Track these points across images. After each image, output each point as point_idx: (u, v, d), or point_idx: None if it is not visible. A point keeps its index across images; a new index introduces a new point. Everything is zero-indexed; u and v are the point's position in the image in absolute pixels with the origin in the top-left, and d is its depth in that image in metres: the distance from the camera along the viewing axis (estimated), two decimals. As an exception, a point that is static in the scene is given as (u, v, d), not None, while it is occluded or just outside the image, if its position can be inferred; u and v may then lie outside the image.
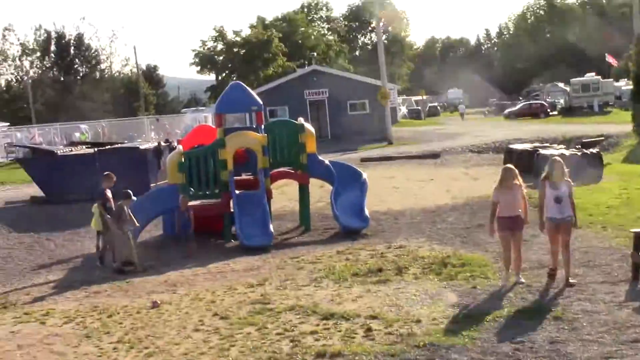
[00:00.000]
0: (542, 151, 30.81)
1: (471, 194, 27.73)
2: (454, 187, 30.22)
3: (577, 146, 33.85)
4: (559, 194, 14.35)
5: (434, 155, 41.85)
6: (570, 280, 14.25)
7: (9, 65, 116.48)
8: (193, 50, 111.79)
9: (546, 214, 14.53)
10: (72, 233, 25.39)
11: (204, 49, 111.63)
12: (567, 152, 29.31)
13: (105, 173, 21.27)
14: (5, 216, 26.88)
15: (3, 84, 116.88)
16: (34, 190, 32.31)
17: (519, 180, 14.88)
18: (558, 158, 14.97)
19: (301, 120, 25.23)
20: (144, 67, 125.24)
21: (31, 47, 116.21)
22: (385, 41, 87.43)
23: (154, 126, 71.49)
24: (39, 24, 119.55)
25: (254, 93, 25.40)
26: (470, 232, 21.04)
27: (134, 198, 20.89)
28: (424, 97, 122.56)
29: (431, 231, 21.73)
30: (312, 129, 25.11)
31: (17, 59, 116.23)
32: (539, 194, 14.87)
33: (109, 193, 20.75)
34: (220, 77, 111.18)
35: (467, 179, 32.70)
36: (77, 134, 65.44)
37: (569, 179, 14.61)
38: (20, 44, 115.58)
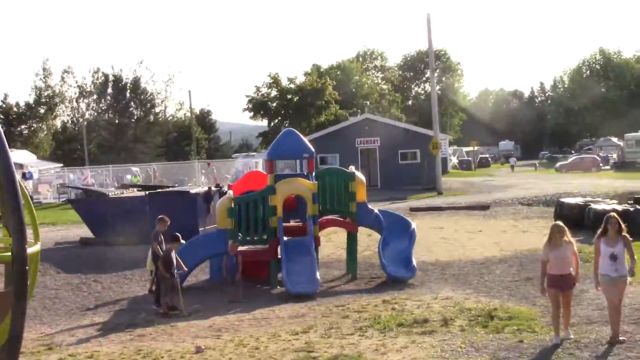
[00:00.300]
0: (593, 206, 30.50)
1: (520, 246, 27.50)
2: (503, 239, 29.97)
3: (629, 201, 33.39)
4: (614, 252, 14.07)
5: (484, 207, 41.59)
6: (620, 338, 14.01)
7: (66, 107, 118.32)
8: (247, 96, 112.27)
9: (600, 271, 14.26)
10: (119, 275, 25.50)
11: (258, 94, 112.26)
12: (619, 207, 28.96)
13: (160, 216, 21.48)
14: (54, 257, 27.08)
15: (59, 125, 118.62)
16: (84, 231, 32.59)
17: (569, 237, 14.65)
18: (614, 214, 14.68)
19: (352, 168, 25.24)
20: (198, 112, 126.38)
21: (88, 89, 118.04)
22: (439, 92, 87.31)
23: (204, 170, 71.99)
24: (97, 67, 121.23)
25: (306, 140, 25.46)
26: (518, 285, 20.83)
27: (183, 242, 21.03)
28: (475, 148, 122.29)
29: (479, 283, 21.54)
30: (363, 178, 25.08)
31: (74, 100, 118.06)
32: (595, 250, 14.60)
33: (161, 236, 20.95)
34: (272, 124, 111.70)
35: (516, 231, 32.40)
36: (129, 177, 66.11)
37: (626, 234, 14.33)
38: (78, 86, 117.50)
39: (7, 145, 10.05)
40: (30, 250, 10.11)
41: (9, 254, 9.90)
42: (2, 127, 10.39)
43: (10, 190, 9.89)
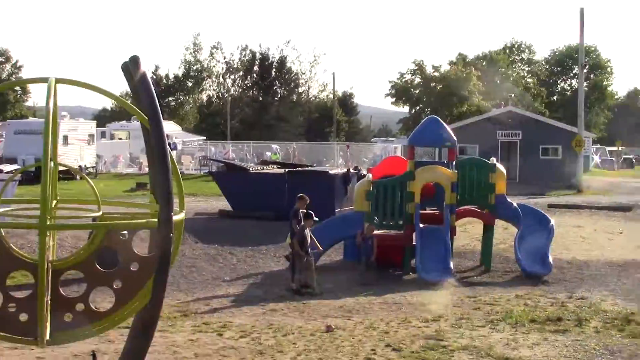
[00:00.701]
0: None
1: (663, 252, 26.63)
2: (645, 243, 29.08)
3: None
4: None
5: (625, 209, 40.42)
6: None
7: (213, 82, 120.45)
8: (390, 82, 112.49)
9: None
10: (253, 250, 25.83)
11: (401, 81, 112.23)
12: None
13: (300, 195, 21.68)
14: (193, 226, 27.53)
15: (205, 99, 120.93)
16: (223, 203, 33.16)
17: None
18: None
19: (493, 160, 24.96)
20: (340, 94, 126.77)
21: (235, 66, 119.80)
22: (586, 89, 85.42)
23: (342, 152, 72.25)
24: (245, 45, 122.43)
25: (449, 129, 25.28)
26: (658, 291, 20.23)
27: (316, 219, 21.20)
28: (620, 148, 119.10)
29: (616, 285, 20.97)
30: (504, 170, 24.79)
31: (220, 76, 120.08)
32: None
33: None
34: (413, 110, 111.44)
35: (660, 236, 31.36)
36: (269, 153, 66.88)
37: None
38: (226, 62, 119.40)
39: (161, 116, 10.39)
40: (175, 217, 10.40)
41: (155, 219, 10.21)
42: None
43: (161, 159, 10.19)
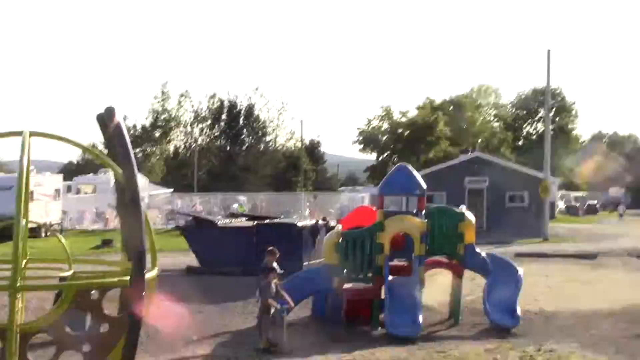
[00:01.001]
0: None
1: (630, 301, 26.62)
2: (611, 291, 29.12)
3: None
4: None
5: (591, 256, 40.69)
6: None
7: (180, 132, 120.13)
8: (358, 129, 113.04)
9: None
10: (221, 307, 25.58)
11: (369, 127, 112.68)
12: None
13: (269, 249, 21.49)
14: (159, 284, 27.32)
15: (172, 149, 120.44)
16: (190, 259, 32.93)
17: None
18: None
19: (463, 208, 24.84)
20: (307, 142, 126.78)
21: (203, 114, 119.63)
22: (552, 132, 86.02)
23: (309, 202, 72.16)
24: (214, 92, 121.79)
25: (419, 177, 25.01)
26: (626, 342, 20.19)
27: (281, 271, 20.95)
28: (584, 194, 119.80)
29: (584, 337, 20.99)
30: (473, 219, 24.55)
31: (188, 125, 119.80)
32: None
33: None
34: (381, 158, 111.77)
35: (627, 284, 31.45)
36: (235, 205, 66.74)
37: None
38: (194, 110, 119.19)
39: (135, 168, 10.26)
40: (147, 275, 10.25)
41: (127, 278, 10.05)
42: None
43: (134, 213, 10.05)
